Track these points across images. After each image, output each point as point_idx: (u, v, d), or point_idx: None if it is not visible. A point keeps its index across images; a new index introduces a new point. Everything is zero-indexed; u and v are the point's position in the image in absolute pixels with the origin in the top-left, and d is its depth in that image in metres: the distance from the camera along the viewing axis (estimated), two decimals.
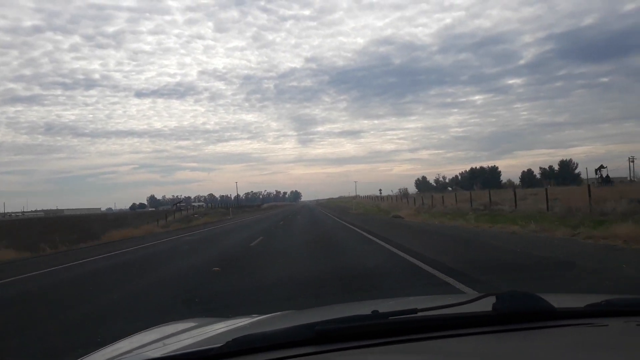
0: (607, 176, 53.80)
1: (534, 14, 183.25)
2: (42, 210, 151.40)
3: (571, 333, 1.36)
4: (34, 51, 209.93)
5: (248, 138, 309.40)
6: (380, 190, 50.44)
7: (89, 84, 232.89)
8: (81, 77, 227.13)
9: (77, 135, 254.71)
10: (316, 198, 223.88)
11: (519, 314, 1.39)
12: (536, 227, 13.82)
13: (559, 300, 1.55)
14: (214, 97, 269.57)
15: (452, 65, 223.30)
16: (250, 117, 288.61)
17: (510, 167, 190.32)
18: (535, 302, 1.42)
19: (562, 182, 77.09)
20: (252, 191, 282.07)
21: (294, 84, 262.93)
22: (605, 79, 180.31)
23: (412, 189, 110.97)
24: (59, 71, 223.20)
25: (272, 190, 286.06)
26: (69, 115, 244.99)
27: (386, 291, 6.37)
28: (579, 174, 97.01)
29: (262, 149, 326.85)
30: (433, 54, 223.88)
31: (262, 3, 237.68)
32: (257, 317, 2.01)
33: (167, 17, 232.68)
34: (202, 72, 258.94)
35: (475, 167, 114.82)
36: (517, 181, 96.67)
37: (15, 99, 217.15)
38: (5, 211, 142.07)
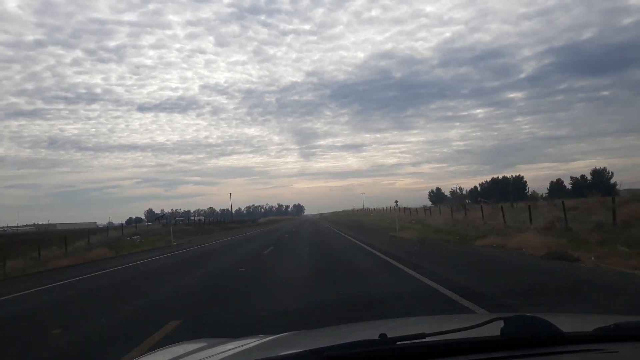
0: None
1: (532, 28, 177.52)
2: (34, 225, 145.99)
3: (580, 359, 1.36)
4: (36, 65, 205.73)
5: (250, 152, 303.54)
6: (396, 202, 41.57)
7: (91, 98, 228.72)
8: (83, 91, 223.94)
9: (80, 149, 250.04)
10: (319, 212, 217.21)
11: (527, 339, 1.39)
12: None
13: (568, 322, 1.60)
14: (216, 111, 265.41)
15: (452, 79, 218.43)
16: (252, 131, 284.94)
17: (532, 177, 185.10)
18: (543, 327, 1.42)
19: (599, 194, 67.11)
20: (253, 205, 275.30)
21: (296, 97, 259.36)
22: (605, 93, 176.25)
23: (415, 202, 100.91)
24: (61, 85, 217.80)
25: (275, 204, 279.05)
26: (72, 129, 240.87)
27: None
28: (614, 185, 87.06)
29: (265, 162, 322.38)
30: (433, 67, 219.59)
31: (263, 18, 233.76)
32: (265, 337, 2.01)
33: (168, 32, 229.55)
34: (203, 86, 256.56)
35: (497, 177, 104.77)
36: (541, 192, 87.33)
37: (18, 113, 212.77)
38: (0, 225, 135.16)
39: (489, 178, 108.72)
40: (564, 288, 7.86)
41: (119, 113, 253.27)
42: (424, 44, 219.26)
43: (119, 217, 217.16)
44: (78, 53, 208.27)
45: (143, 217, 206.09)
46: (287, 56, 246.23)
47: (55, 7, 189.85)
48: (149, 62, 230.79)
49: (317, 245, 22.33)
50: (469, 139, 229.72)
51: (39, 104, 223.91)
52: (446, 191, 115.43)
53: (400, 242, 20.38)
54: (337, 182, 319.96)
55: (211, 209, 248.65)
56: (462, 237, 20.60)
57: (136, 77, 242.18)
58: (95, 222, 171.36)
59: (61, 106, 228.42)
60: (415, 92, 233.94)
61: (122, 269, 17.24)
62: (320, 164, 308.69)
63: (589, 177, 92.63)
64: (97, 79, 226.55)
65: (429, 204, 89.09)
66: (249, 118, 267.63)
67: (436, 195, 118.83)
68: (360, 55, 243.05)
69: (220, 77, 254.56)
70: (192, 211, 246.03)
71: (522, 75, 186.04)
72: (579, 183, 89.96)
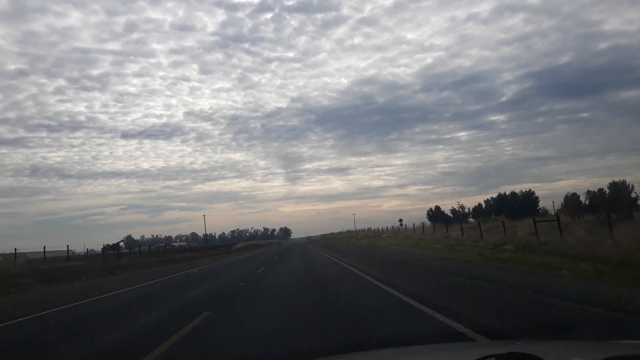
0: None
1: (512, 53, 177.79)
2: (1, 254, 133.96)
3: None
4: (18, 94, 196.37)
5: (236, 177, 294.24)
6: (400, 220, 33.41)
7: (75, 125, 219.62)
8: (66, 119, 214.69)
9: (63, 177, 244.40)
10: (307, 235, 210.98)
11: None
12: None
13: (560, 355, 1.69)
14: (201, 137, 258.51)
15: (435, 103, 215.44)
16: (237, 156, 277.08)
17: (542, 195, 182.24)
18: None
19: (621, 210, 58.70)
20: (238, 229, 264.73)
21: (281, 123, 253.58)
22: (585, 114, 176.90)
23: (407, 222, 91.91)
24: (44, 114, 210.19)
25: (260, 228, 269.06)
26: (55, 157, 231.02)
27: None
28: (636, 199, 78.62)
29: (251, 187, 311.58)
30: (416, 92, 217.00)
31: (247, 46, 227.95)
32: None
33: (152, 60, 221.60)
34: (188, 113, 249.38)
35: (504, 193, 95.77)
36: (551, 209, 78.93)
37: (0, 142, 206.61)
38: None
39: (495, 194, 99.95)
40: None
41: (102, 140, 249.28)
42: (406, 69, 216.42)
43: (102, 244, 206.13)
44: (61, 82, 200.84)
45: (122, 243, 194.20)
46: (271, 83, 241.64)
47: (38, 37, 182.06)
48: (132, 89, 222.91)
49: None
50: (453, 161, 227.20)
51: (21, 133, 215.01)
52: (447, 210, 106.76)
53: None
54: (324, 205, 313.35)
55: (193, 234, 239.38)
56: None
57: (120, 104, 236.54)
58: (67, 249, 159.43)
59: (44, 134, 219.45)
60: (398, 116, 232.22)
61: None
62: (307, 187, 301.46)
63: (607, 191, 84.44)
64: (81, 107, 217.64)
65: (428, 222, 79.99)
66: (234, 143, 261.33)
67: (436, 214, 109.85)
68: (344, 81, 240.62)
69: (205, 103, 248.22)
70: (174, 237, 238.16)
71: (504, 99, 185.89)
72: (596, 197, 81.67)
